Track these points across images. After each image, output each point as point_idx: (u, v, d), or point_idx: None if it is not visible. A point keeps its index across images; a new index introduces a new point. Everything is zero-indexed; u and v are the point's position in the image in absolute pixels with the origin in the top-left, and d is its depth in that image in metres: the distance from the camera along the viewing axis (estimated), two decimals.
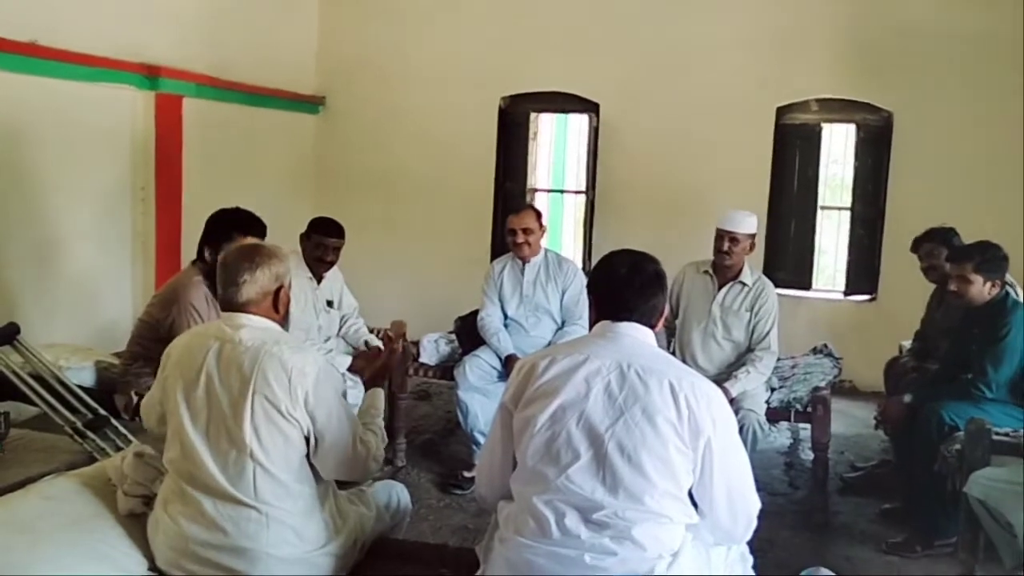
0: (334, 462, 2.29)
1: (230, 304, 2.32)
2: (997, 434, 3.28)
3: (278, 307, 2.36)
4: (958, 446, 3.38)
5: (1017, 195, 5.72)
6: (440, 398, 5.65)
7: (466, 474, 4.34)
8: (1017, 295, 3.84)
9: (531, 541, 1.99)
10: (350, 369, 4.28)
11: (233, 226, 3.30)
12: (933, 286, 4.49)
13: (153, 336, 3.32)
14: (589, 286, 2.29)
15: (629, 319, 2.15)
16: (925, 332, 4.56)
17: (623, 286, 2.18)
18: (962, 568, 3.32)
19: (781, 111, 6.37)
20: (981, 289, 3.67)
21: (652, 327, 2.18)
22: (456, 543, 3.63)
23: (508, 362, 4.36)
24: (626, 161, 6.66)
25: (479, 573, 2.16)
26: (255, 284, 2.30)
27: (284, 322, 2.40)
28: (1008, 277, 3.78)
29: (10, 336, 3.22)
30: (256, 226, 3.38)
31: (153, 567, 2.30)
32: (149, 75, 5.22)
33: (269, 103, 6.53)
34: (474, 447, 4.42)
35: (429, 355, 4.69)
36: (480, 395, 4.35)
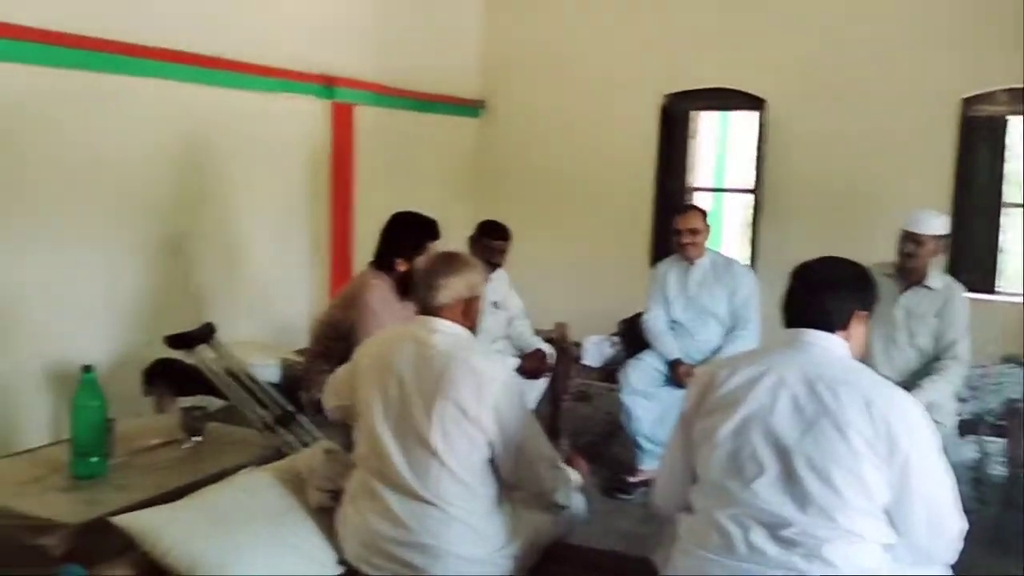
0: (518, 468, 2.33)
1: (425, 307, 2.41)
2: None
3: (469, 316, 2.43)
4: None
5: None
6: (601, 400, 5.62)
7: (629, 479, 4.31)
8: None
9: (716, 556, 1.94)
10: (517, 370, 4.33)
11: (426, 234, 3.44)
12: None
13: (334, 335, 3.48)
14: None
15: (814, 325, 2.06)
16: None
17: (803, 289, 2.11)
18: None
19: (967, 103, 5.96)
20: None
21: (844, 332, 2.07)
22: (623, 549, 3.60)
23: (673, 366, 4.30)
24: (795, 158, 6.41)
25: None
26: (450, 290, 2.39)
27: (474, 331, 2.46)
28: None
29: (207, 335, 3.44)
30: (438, 231, 3.50)
31: (341, 560, 2.40)
32: (326, 85, 5.46)
33: (433, 108, 6.70)
34: (637, 451, 4.38)
35: (592, 357, 4.70)
36: (643, 398, 4.31)
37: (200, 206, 4.79)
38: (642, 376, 4.34)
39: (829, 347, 2.05)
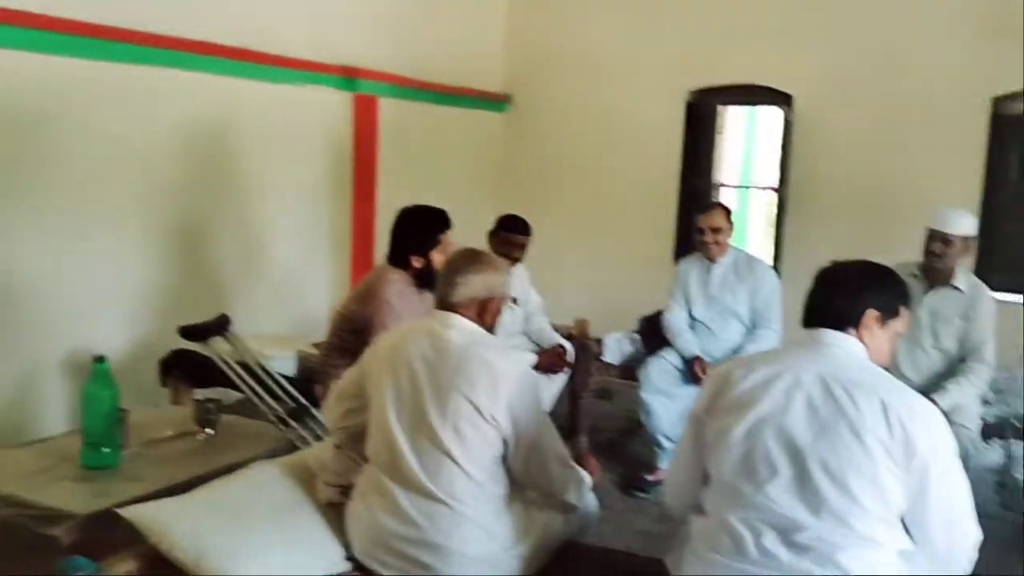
0: (529, 466, 2.30)
1: (443, 303, 2.40)
2: None
3: (487, 315, 2.40)
4: None
5: None
6: (621, 397, 5.58)
7: (648, 477, 4.27)
8: None
9: (727, 559, 1.90)
10: (535, 367, 4.30)
11: (437, 227, 3.41)
12: None
13: (350, 328, 3.46)
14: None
15: (829, 325, 2.01)
16: None
17: (818, 289, 2.08)
18: None
19: (997, 101, 5.84)
20: None
21: (858, 332, 2.02)
22: (639, 548, 3.57)
23: (693, 364, 4.25)
24: (821, 156, 6.32)
25: None
26: (468, 287, 2.37)
27: (492, 331, 2.44)
28: None
29: (222, 327, 3.45)
30: (448, 221, 3.47)
31: (350, 556, 2.38)
32: (348, 77, 5.45)
33: (457, 102, 6.67)
34: (656, 449, 4.33)
35: (612, 354, 4.66)
36: (663, 396, 4.26)
37: (221, 198, 4.81)
38: (662, 374, 4.30)
39: (846, 348, 2.00)
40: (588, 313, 5.01)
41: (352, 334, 3.35)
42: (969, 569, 1.99)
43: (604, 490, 4.19)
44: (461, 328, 2.34)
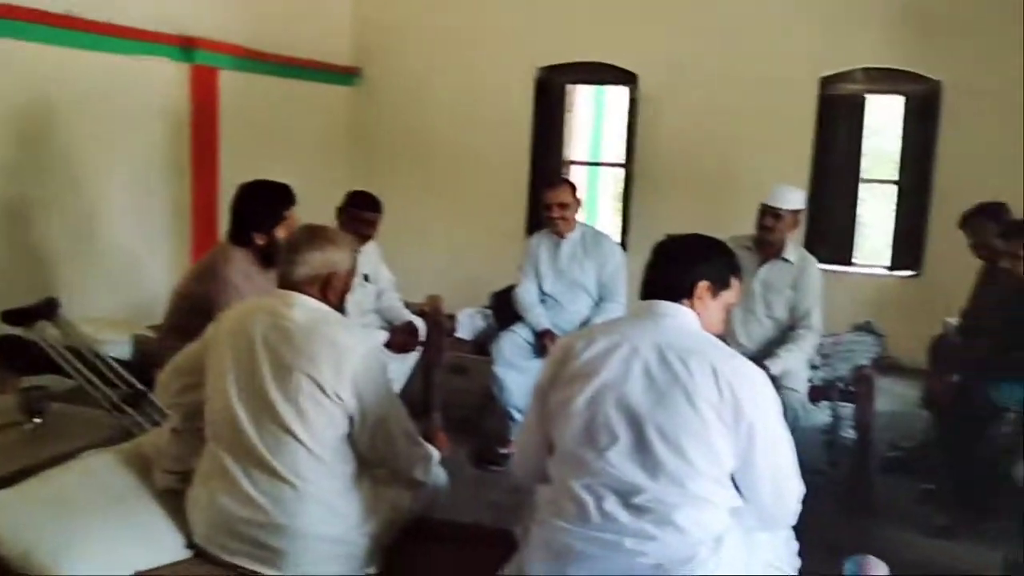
0: (375, 443, 2.28)
1: (284, 282, 2.34)
2: None
3: (330, 292, 2.35)
4: (1008, 428, 3.30)
5: None
6: (475, 373, 5.60)
7: (501, 450, 4.33)
8: None
9: (570, 525, 1.95)
10: (387, 345, 4.26)
11: (281, 203, 3.30)
12: (980, 263, 4.36)
13: (188, 309, 3.31)
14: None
15: (667, 297, 2.09)
16: (972, 310, 4.43)
17: (652, 262, 2.16)
18: (1008, 552, 3.25)
19: (825, 82, 6.21)
20: None
21: (690, 302, 2.10)
22: (491, 519, 3.61)
23: (542, 337, 4.32)
24: (666, 134, 6.55)
25: (517, 555, 2.13)
26: (308, 266, 2.31)
27: (340, 309, 2.39)
28: None
29: (49, 310, 3.23)
30: (292, 197, 3.37)
31: (190, 544, 2.30)
32: (185, 47, 5.20)
33: (304, 75, 6.50)
34: (510, 422, 4.39)
35: (465, 330, 4.67)
36: (515, 371, 4.32)
37: (48, 175, 4.52)
38: (514, 348, 4.35)
39: (679, 318, 2.08)
40: (442, 289, 5.00)
41: (191, 315, 3.20)
42: (793, 521, 2.11)
43: (457, 464, 4.21)
44: (304, 306, 2.29)
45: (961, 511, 3.65)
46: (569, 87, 7.04)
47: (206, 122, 5.46)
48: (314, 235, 2.38)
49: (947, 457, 3.92)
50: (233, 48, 5.55)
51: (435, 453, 2.50)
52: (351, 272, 2.44)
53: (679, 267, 2.13)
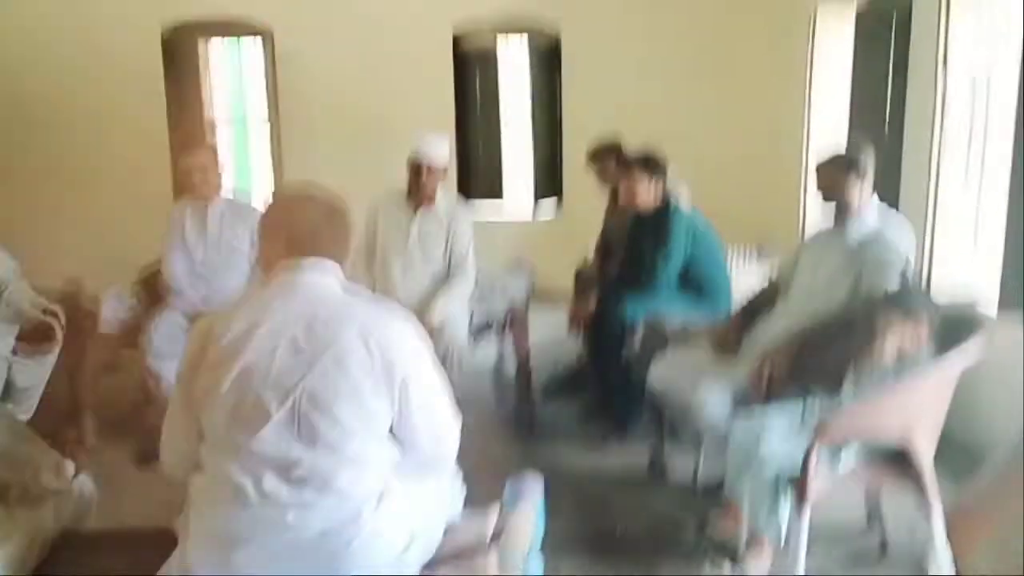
0: None
1: None
2: (670, 325, 3.61)
3: None
4: (639, 338, 3.68)
5: (677, 101, 6.26)
6: (133, 367, 5.17)
7: None
8: (679, 189, 4.18)
9: (228, 511, 1.88)
10: (19, 339, 3.73)
11: None
12: (609, 194, 4.77)
13: None
14: (264, 227, 2.12)
15: (314, 258, 2.05)
16: (604, 239, 4.86)
17: (315, 226, 2.07)
18: (652, 453, 3.65)
19: (458, 37, 6.44)
20: (647, 189, 3.94)
21: (341, 261, 2.09)
22: (164, 518, 3.39)
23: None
24: (308, 88, 6.43)
25: (178, 552, 2.01)
26: None
27: None
28: (671, 174, 4.07)
29: None
30: None
31: None
32: None
33: None
34: None
35: (108, 323, 4.22)
36: (173, 360, 4.01)
37: None
38: (168, 336, 4.03)
39: (325, 281, 2.04)
40: (83, 271, 4.50)
41: None
42: (454, 455, 2.18)
43: (120, 466, 3.90)
44: None
45: (611, 421, 4.03)
46: (202, 43, 6.64)
47: None
48: None
49: (594, 373, 4.31)
50: None
51: (69, 463, 2.27)
52: None
53: (341, 234, 2.11)
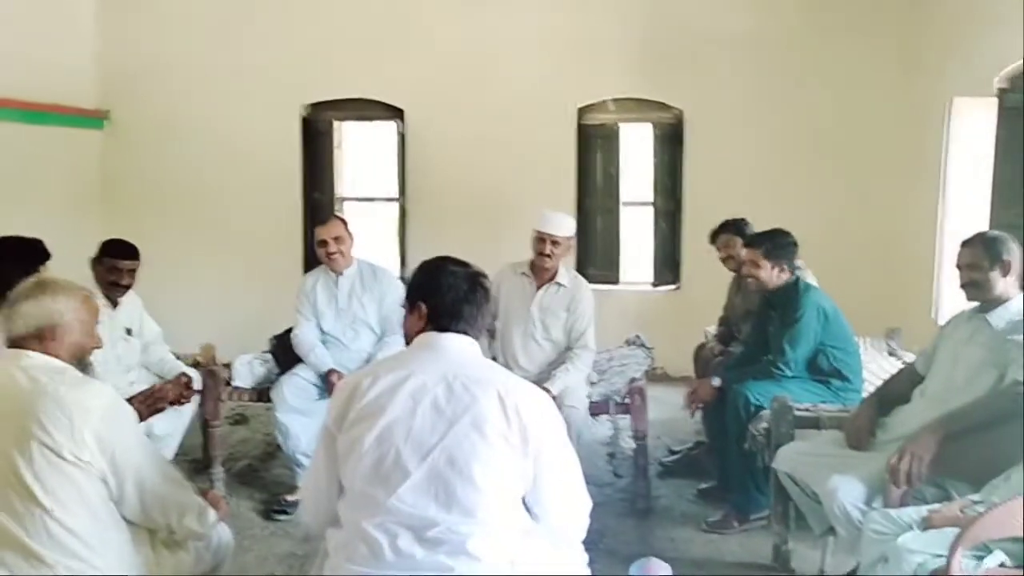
0: (140, 504, 2.12)
1: (9, 340, 2.14)
2: (798, 410, 3.50)
3: (57, 345, 2.17)
4: (765, 424, 3.58)
5: (800, 183, 6.20)
6: (258, 421, 5.40)
7: (289, 498, 4.16)
8: (806, 278, 4.12)
9: (364, 568, 1.91)
10: (159, 399, 3.96)
11: (30, 260, 3.02)
12: (732, 274, 4.73)
13: None
14: (412, 294, 2.20)
15: (456, 330, 2.11)
16: (727, 318, 4.81)
17: (459, 297, 2.13)
18: (776, 539, 3.52)
19: (582, 112, 6.57)
20: (771, 274, 3.89)
21: (477, 336, 2.16)
22: (284, 571, 3.47)
23: (329, 376, 4.22)
24: (434, 167, 6.65)
25: None
26: (24, 318, 2.15)
27: (79, 364, 2.20)
28: (798, 261, 4.02)
29: None
30: (45, 253, 3.11)
31: None
32: None
33: (46, 119, 6.01)
34: (297, 469, 4.24)
35: (243, 378, 4.45)
36: (300, 415, 4.17)
37: None
38: (296, 392, 4.20)
39: (465, 347, 2.10)
40: (215, 337, 4.77)
41: None
42: (583, 535, 2.18)
43: (245, 519, 4.03)
44: (30, 364, 2.11)
45: (731, 505, 3.92)
46: (336, 123, 6.99)
47: None
48: (34, 287, 2.22)
49: (715, 456, 4.21)
50: None
51: (211, 511, 2.36)
52: (86, 323, 2.25)
53: (484, 304, 2.17)
